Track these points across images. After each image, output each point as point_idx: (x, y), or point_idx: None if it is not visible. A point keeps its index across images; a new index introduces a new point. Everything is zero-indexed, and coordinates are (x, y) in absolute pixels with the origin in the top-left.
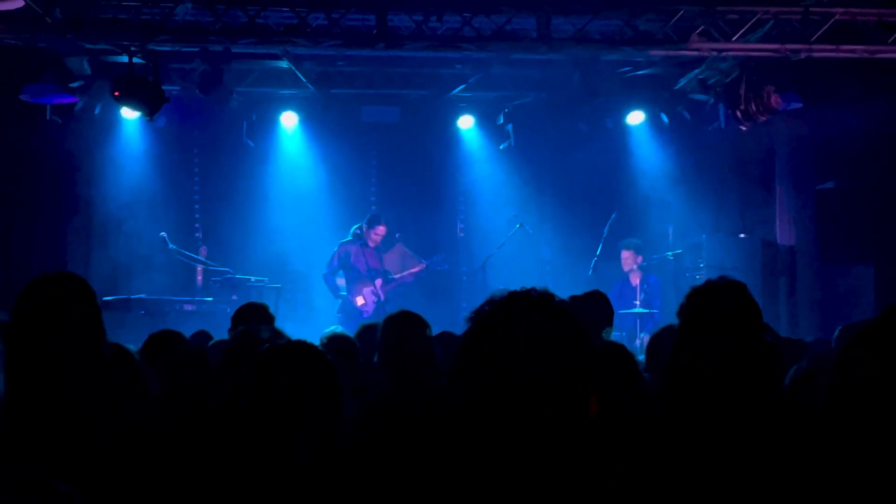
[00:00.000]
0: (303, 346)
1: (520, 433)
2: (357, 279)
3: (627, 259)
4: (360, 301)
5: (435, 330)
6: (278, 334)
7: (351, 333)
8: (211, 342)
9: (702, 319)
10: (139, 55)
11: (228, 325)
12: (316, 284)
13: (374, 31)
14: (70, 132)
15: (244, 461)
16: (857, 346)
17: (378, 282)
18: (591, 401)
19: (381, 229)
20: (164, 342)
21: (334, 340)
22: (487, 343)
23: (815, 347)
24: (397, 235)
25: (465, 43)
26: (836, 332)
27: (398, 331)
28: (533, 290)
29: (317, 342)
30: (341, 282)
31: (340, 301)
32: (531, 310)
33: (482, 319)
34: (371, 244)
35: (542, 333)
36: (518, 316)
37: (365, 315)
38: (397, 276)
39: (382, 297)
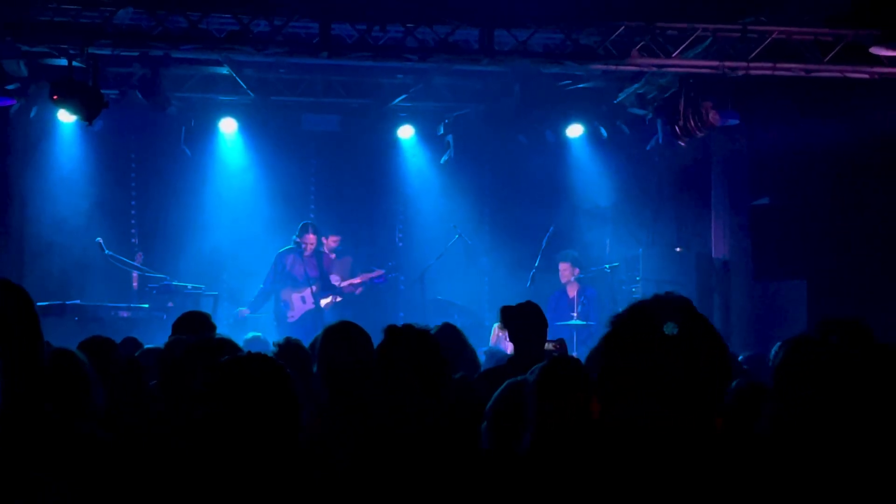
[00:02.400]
0: (260, 358)
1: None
2: (293, 286)
3: (565, 271)
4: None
5: (373, 340)
6: (233, 346)
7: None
8: (139, 351)
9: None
10: (78, 59)
11: (163, 331)
12: (253, 292)
13: (317, 40)
14: (4, 135)
15: (199, 472)
16: (795, 364)
17: (314, 287)
18: (592, 402)
19: (311, 238)
20: (95, 350)
21: (287, 349)
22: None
23: (752, 363)
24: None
25: (408, 53)
26: (775, 348)
27: (337, 342)
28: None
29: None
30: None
31: (273, 308)
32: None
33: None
34: (307, 253)
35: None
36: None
37: (290, 321)
38: (344, 283)
39: (312, 306)
